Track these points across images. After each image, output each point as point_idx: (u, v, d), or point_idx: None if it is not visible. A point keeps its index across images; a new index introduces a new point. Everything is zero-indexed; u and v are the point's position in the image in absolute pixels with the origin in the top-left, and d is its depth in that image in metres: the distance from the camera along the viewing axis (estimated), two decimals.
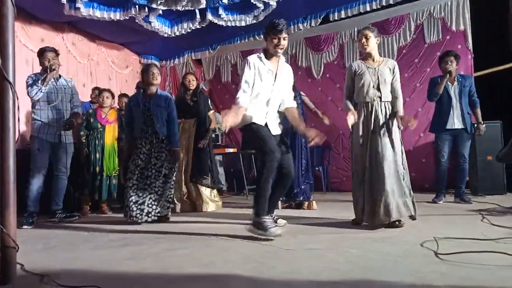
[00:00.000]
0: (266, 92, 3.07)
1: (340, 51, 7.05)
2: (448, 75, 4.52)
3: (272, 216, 3.47)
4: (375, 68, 3.29)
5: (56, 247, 2.87)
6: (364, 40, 3.29)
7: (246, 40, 7.40)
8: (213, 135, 5.57)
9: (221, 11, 5.85)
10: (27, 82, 4.02)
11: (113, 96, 5.14)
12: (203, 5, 5.50)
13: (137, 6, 5.47)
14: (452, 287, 1.70)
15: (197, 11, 5.78)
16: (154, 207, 3.86)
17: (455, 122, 4.57)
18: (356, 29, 6.46)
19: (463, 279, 1.79)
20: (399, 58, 6.42)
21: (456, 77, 4.63)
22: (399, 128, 3.26)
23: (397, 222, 3.09)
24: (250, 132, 3.06)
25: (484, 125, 4.69)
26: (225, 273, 2.01)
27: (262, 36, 6.95)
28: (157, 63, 8.29)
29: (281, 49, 3.04)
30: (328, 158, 6.73)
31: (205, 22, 5.99)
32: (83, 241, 3.09)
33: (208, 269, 2.11)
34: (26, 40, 5.57)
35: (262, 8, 5.77)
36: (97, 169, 4.79)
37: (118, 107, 5.57)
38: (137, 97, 4.07)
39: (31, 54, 5.62)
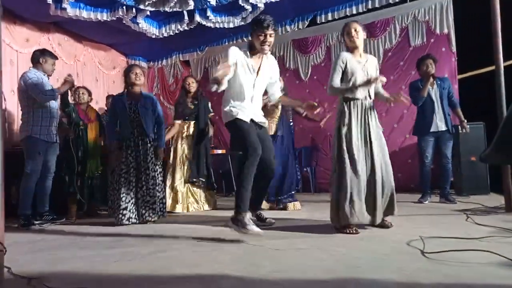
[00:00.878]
0: (249, 88, 3.02)
1: (328, 53, 7.12)
2: (431, 78, 4.61)
3: (259, 214, 3.49)
4: (364, 64, 3.16)
5: (44, 250, 2.84)
6: (354, 33, 3.11)
7: (235, 42, 7.41)
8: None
9: (209, 13, 5.85)
10: (31, 79, 3.95)
11: (89, 93, 5.06)
12: (191, 7, 5.50)
13: (124, 7, 5.43)
14: (437, 284, 1.74)
15: (185, 12, 5.77)
16: (143, 209, 3.85)
17: (439, 124, 4.66)
18: None
19: (448, 276, 1.83)
20: (385, 61, 6.53)
21: (435, 80, 4.72)
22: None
23: (386, 222, 3.13)
24: (234, 128, 3.03)
25: (466, 123, 4.78)
26: (214, 273, 2.02)
27: (250, 38, 7.06)
28: (144, 63, 8.27)
29: (268, 45, 2.96)
30: (316, 159, 6.78)
31: (193, 24, 5.98)
32: (70, 243, 3.06)
33: (197, 269, 2.11)
34: (11, 40, 5.49)
35: (250, 10, 5.79)
36: (79, 169, 4.69)
37: (105, 108, 5.53)
38: (121, 100, 4.00)
39: (16, 54, 5.56)
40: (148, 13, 5.63)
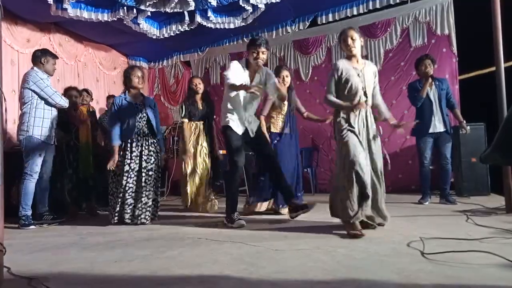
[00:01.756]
0: (243, 96, 3.53)
1: (328, 54, 7.12)
2: (430, 78, 4.61)
3: (295, 203, 3.55)
4: (360, 71, 3.12)
5: (44, 250, 2.84)
6: (350, 41, 3.10)
7: (235, 43, 7.41)
8: None
9: (210, 13, 5.85)
10: (42, 79, 4.01)
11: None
12: (192, 7, 5.50)
13: (125, 8, 5.43)
14: (437, 285, 1.74)
15: (186, 13, 5.76)
16: (144, 210, 3.84)
17: (437, 125, 4.66)
18: None
19: (448, 277, 1.83)
20: (385, 62, 6.53)
21: (433, 81, 4.72)
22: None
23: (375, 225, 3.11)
24: (225, 135, 3.61)
25: (466, 123, 4.77)
26: (214, 274, 2.02)
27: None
28: (144, 64, 8.27)
29: (261, 61, 3.48)
30: (317, 159, 6.78)
31: (194, 24, 5.98)
32: (70, 243, 3.07)
33: (197, 270, 2.11)
34: (12, 40, 5.49)
35: (251, 10, 5.78)
36: (72, 170, 4.69)
37: (106, 108, 5.55)
38: (125, 100, 3.97)
39: (16, 54, 5.57)
40: (149, 13, 5.63)
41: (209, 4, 5.48)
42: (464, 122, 4.71)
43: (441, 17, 6.21)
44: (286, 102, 4.43)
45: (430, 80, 4.62)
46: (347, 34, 3.13)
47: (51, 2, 5.04)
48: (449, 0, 6.17)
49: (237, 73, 3.46)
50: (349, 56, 3.18)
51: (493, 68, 3.87)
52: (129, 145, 3.90)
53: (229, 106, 3.60)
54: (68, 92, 4.81)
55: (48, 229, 3.85)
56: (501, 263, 2.02)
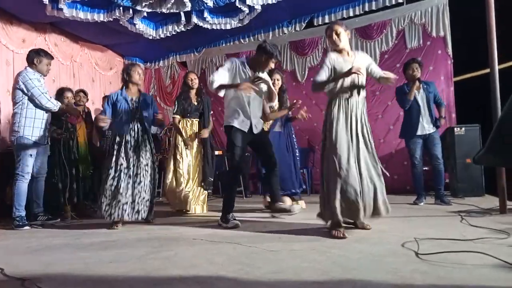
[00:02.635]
0: (245, 97, 3.52)
1: (325, 55, 7.09)
2: (417, 81, 4.66)
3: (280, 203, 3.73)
4: (352, 62, 3.07)
5: (37, 251, 2.82)
6: (335, 36, 3.09)
7: (231, 43, 7.42)
8: None
9: (206, 14, 5.85)
10: (31, 79, 3.96)
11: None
12: (188, 8, 5.51)
13: (121, 8, 5.43)
14: (431, 286, 1.75)
15: (182, 13, 5.77)
16: (142, 206, 3.81)
17: (426, 126, 4.71)
18: None
19: (442, 278, 1.84)
20: (381, 63, 6.56)
21: (421, 84, 4.76)
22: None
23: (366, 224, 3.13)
24: (228, 135, 3.59)
25: (444, 120, 4.94)
26: (209, 275, 2.02)
27: (247, 39, 7.08)
28: (141, 64, 8.25)
29: (267, 69, 3.63)
30: (312, 160, 6.79)
31: (190, 25, 5.99)
32: (64, 244, 3.05)
33: (193, 271, 2.11)
34: (7, 40, 5.47)
35: (247, 11, 5.80)
36: (73, 170, 4.66)
37: (102, 108, 5.53)
38: (121, 95, 3.93)
39: (12, 54, 5.54)
40: (145, 14, 5.63)
41: (205, 5, 5.49)
42: (444, 118, 4.89)
43: (437, 19, 6.25)
44: (277, 102, 4.49)
45: (417, 83, 4.67)
46: (332, 29, 3.13)
47: (47, 2, 5.03)
48: (445, 2, 6.22)
49: (225, 75, 3.51)
50: (339, 50, 3.16)
51: (488, 70, 3.90)
52: (124, 140, 3.84)
53: (232, 105, 3.58)
54: (63, 93, 4.78)
55: (43, 230, 3.83)
56: (495, 263, 2.03)
